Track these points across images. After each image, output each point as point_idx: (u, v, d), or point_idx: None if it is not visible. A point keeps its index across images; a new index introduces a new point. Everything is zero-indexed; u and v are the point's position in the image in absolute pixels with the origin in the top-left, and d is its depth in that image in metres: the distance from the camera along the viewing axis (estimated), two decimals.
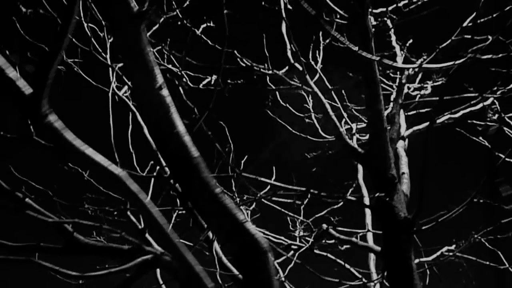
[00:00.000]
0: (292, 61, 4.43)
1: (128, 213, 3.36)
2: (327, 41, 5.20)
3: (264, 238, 2.05)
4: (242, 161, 4.69)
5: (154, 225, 1.73)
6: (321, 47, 5.13)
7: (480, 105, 4.82)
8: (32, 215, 3.04)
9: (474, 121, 5.30)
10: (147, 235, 3.27)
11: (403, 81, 4.32)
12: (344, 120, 4.90)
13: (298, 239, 4.87)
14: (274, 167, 4.85)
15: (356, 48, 3.62)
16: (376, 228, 4.81)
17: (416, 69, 4.44)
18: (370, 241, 4.82)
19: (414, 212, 3.45)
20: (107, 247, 3.18)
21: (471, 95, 4.65)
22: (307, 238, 4.64)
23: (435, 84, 5.42)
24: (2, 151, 3.89)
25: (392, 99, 4.40)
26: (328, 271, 4.68)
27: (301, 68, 4.34)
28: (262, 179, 3.61)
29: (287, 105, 6.64)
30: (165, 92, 2.08)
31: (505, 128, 5.64)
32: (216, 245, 4.29)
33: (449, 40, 4.39)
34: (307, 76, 4.30)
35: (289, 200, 3.62)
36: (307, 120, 6.72)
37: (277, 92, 6.21)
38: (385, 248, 3.54)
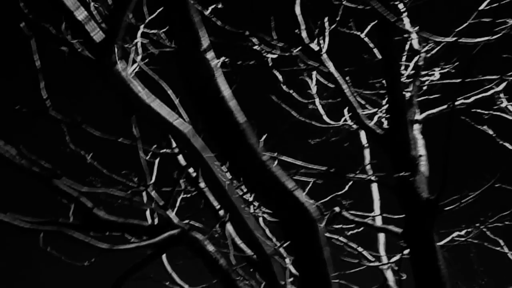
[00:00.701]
0: (306, 41, 4.37)
1: (149, 190, 3.27)
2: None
3: (314, 206, 1.99)
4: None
5: (213, 182, 1.65)
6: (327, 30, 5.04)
7: (492, 91, 4.80)
8: (58, 187, 2.96)
9: (479, 110, 5.33)
10: (168, 212, 3.19)
11: (420, 63, 4.28)
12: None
13: None
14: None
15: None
16: (385, 211, 4.79)
17: (434, 51, 4.40)
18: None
19: (437, 193, 3.41)
20: (128, 224, 3.09)
21: (491, 78, 4.62)
22: None
23: (442, 71, 5.39)
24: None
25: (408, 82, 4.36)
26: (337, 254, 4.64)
27: (316, 48, 4.28)
28: (286, 158, 3.54)
29: (292, 91, 6.59)
30: (210, 55, 2.01)
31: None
32: (228, 227, 4.22)
33: (466, 23, 4.35)
34: (325, 55, 4.24)
35: (310, 179, 3.54)
36: (310, 106, 6.68)
37: (280, 77, 6.15)
38: (407, 229, 3.50)
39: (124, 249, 2.72)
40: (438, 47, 4.39)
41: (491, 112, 5.62)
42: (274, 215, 2.03)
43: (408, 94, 4.10)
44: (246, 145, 1.95)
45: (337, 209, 4.20)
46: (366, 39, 5.97)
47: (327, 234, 4.47)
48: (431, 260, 3.32)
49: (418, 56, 4.32)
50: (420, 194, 3.47)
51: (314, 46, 4.33)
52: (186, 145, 1.59)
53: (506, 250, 5.42)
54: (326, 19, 4.81)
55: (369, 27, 5.96)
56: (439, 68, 5.43)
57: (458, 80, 4.55)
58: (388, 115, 4.00)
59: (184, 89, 1.90)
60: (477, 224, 4.50)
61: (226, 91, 1.98)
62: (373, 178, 3.59)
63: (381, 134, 3.79)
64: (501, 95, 5.41)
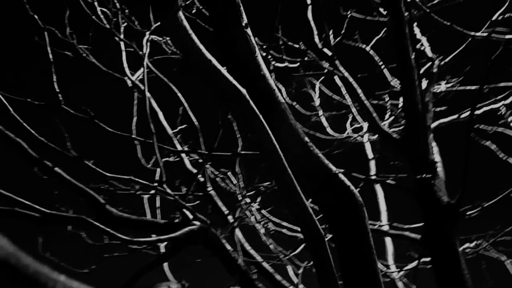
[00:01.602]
0: (319, 46, 4.33)
1: (165, 186, 3.16)
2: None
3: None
4: None
5: (269, 146, 1.56)
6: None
7: (500, 103, 4.80)
8: (68, 181, 2.83)
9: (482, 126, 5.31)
10: (184, 210, 3.07)
11: (434, 70, 4.26)
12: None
13: None
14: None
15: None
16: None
17: (448, 59, 4.39)
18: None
19: (457, 197, 3.34)
20: (142, 221, 2.96)
21: (509, 84, 4.60)
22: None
23: (448, 84, 5.39)
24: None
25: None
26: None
27: (330, 53, 4.25)
28: None
29: (295, 103, 6.56)
30: (250, 32, 1.93)
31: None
32: (238, 232, 4.12)
33: (480, 32, 4.35)
34: (337, 62, 4.20)
35: None
36: (313, 119, 6.64)
37: (283, 89, 6.12)
38: (428, 234, 3.41)
39: (144, 241, 2.60)
40: (452, 55, 4.37)
41: (494, 127, 5.64)
42: (317, 201, 1.94)
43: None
44: (288, 125, 1.86)
45: None
46: (371, 52, 5.98)
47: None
48: (454, 265, 3.23)
49: (431, 62, 4.29)
50: (441, 198, 3.40)
51: (327, 51, 4.29)
52: (243, 106, 1.50)
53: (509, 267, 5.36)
54: (331, 31, 4.80)
55: (373, 40, 5.99)
56: (445, 81, 5.43)
57: (475, 87, 4.52)
58: (403, 120, 3.94)
59: (226, 65, 1.82)
60: (491, 232, 4.42)
61: (265, 70, 1.90)
62: (391, 181, 3.51)
63: (398, 138, 3.73)
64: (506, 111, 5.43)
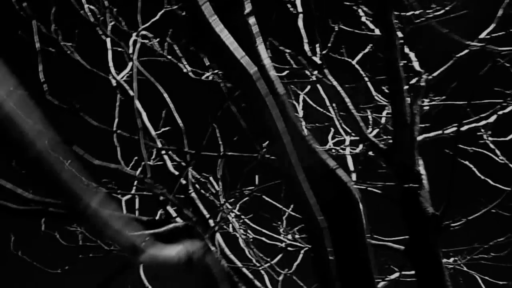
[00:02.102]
0: (309, 54, 4.33)
1: (148, 181, 3.09)
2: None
3: (356, 187, 1.87)
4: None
5: (273, 129, 1.51)
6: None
7: (483, 122, 4.86)
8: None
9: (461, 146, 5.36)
10: (168, 207, 3.01)
11: (422, 84, 4.29)
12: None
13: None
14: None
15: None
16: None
17: (436, 73, 4.43)
18: None
19: (442, 209, 3.35)
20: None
21: (497, 101, 4.66)
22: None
23: (431, 103, 5.44)
24: None
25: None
26: None
27: (319, 62, 4.25)
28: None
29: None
30: (251, 20, 1.90)
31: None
32: (218, 236, 4.06)
33: (466, 50, 4.40)
34: (326, 70, 4.20)
35: None
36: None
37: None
38: (412, 245, 3.40)
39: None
40: (441, 70, 4.41)
41: (473, 148, 5.71)
42: (315, 195, 1.89)
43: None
44: (287, 117, 1.83)
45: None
46: (356, 66, 6.01)
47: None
48: (438, 276, 3.22)
49: (419, 76, 4.32)
50: (426, 209, 3.40)
51: (316, 59, 4.29)
52: (249, 86, 1.46)
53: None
54: (317, 45, 4.81)
55: (359, 55, 6.03)
56: (428, 100, 5.48)
57: (462, 103, 4.56)
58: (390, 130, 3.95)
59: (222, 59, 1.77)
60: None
61: (266, 59, 1.86)
62: (377, 190, 3.50)
63: (385, 148, 3.73)
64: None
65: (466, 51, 4.41)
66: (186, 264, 1.47)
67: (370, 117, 5.68)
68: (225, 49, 1.41)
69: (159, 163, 4.64)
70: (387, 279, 4.36)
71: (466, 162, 5.59)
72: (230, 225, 4.78)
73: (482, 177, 5.62)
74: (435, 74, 4.39)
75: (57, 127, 3.20)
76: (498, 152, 5.78)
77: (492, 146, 5.73)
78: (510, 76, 4.85)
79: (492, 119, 5.11)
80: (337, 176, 1.86)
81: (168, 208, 2.99)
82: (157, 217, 3.04)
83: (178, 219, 2.82)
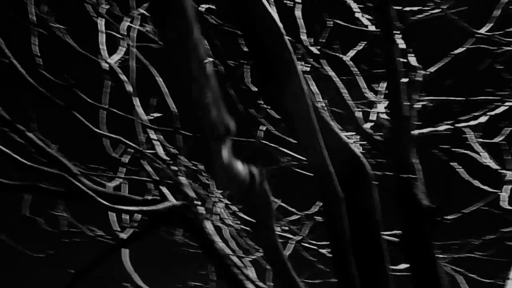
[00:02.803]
0: (307, 43, 4.30)
1: (143, 162, 3.02)
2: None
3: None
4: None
5: (296, 96, 1.46)
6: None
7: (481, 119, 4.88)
8: (40, 148, 2.66)
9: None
10: (163, 188, 2.94)
11: (418, 78, 4.28)
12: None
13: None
14: None
15: None
16: None
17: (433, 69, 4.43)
18: None
19: (438, 201, 3.34)
20: (118, 195, 2.81)
21: (493, 98, 4.67)
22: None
23: (428, 98, 5.42)
24: None
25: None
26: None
27: (317, 52, 4.21)
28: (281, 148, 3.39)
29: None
30: None
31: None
32: (208, 224, 3.98)
33: (463, 48, 4.41)
34: (324, 61, 4.18)
35: None
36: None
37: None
38: (407, 237, 3.38)
39: (126, 210, 2.45)
40: (437, 65, 4.41)
41: (458, 150, 5.72)
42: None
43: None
44: (301, 89, 1.77)
45: (320, 218, 4.09)
46: (349, 62, 5.99)
47: (307, 244, 4.35)
48: (431, 268, 3.20)
49: (416, 72, 4.31)
50: (421, 201, 3.38)
51: (314, 49, 4.26)
52: (277, 39, 1.40)
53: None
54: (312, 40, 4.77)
55: (353, 52, 6.01)
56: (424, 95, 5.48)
57: (458, 99, 4.57)
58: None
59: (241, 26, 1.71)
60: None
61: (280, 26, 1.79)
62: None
63: (381, 140, 3.71)
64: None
65: (463, 48, 4.42)
66: (250, 183, 1.42)
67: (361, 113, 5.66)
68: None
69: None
70: None
71: (454, 164, 5.60)
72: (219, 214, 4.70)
73: (466, 178, 5.65)
74: (431, 69, 4.38)
75: (53, 98, 3.08)
76: (484, 154, 5.83)
77: (477, 148, 5.76)
78: (502, 77, 4.87)
79: (483, 119, 5.13)
80: (350, 149, 1.82)
81: (163, 189, 2.92)
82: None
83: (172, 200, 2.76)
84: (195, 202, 4.07)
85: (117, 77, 4.63)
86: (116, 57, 4.97)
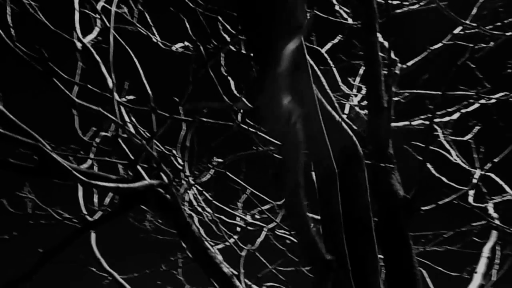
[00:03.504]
0: None
1: (119, 140, 2.93)
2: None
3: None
4: None
5: (300, 66, 1.41)
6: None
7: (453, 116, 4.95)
8: (8, 119, 2.54)
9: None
10: (139, 167, 2.85)
11: (397, 71, 4.30)
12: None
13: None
14: None
15: None
16: None
17: (410, 63, 4.46)
18: None
19: (413, 191, 3.36)
20: (92, 173, 2.71)
21: (468, 93, 4.73)
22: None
23: (407, 91, 5.46)
24: None
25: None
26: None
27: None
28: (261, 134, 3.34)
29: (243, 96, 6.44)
30: None
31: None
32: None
33: (440, 44, 4.45)
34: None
35: None
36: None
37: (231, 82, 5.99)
38: (382, 226, 3.38)
39: (102, 186, 2.36)
40: (416, 59, 4.44)
41: (428, 146, 5.79)
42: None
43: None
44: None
45: None
46: (325, 54, 6.00)
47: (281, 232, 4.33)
48: (406, 258, 3.22)
49: (394, 65, 4.34)
50: (398, 191, 3.40)
51: None
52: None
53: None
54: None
55: (329, 45, 6.02)
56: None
57: (435, 93, 4.61)
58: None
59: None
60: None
61: None
62: None
63: (360, 130, 3.72)
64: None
65: (440, 44, 4.46)
66: (288, 118, 1.38)
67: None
68: None
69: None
70: None
71: (426, 160, 5.66)
72: (189, 200, 4.63)
73: (437, 175, 5.73)
74: (410, 63, 4.42)
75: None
76: (453, 151, 5.93)
77: (447, 145, 5.86)
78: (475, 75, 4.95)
79: (455, 116, 5.22)
80: (343, 129, 1.80)
81: (139, 169, 2.84)
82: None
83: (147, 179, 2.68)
84: (173, 181, 4.01)
85: (92, 57, 4.51)
86: (90, 36, 4.85)
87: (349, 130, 1.86)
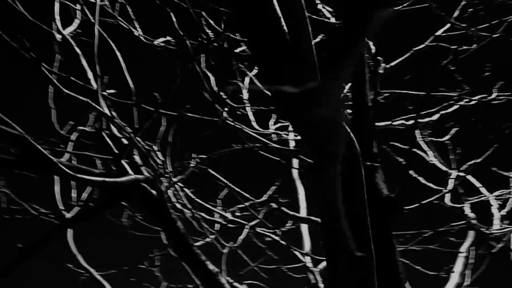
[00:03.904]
0: None
1: (104, 134, 2.87)
2: None
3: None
4: None
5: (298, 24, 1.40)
6: None
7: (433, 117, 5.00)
8: None
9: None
10: (123, 161, 2.79)
11: (380, 71, 4.31)
12: None
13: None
14: None
15: None
16: None
17: (394, 63, 4.48)
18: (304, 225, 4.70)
19: (397, 191, 3.37)
20: (74, 167, 2.65)
21: (449, 95, 4.77)
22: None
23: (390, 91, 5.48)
24: None
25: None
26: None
27: None
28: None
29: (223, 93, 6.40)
30: None
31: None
32: None
33: (423, 45, 4.49)
34: None
35: None
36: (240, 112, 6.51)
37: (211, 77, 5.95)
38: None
39: (89, 180, 2.30)
40: (400, 59, 4.47)
41: (406, 147, 5.84)
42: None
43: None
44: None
45: (273, 205, 4.07)
46: None
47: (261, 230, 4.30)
48: (390, 256, 3.23)
49: (378, 64, 4.35)
50: (382, 190, 3.40)
51: None
52: None
53: None
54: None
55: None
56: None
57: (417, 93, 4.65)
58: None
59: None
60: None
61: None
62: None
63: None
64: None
65: (423, 45, 4.50)
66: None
67: None
68: None
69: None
70: None
71: (401, 160, 5.71)
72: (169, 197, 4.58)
73: (414, 175, 5.78)
74: (394, 63, 4.44)
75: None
76: (430, 152, 6.00)
77: (424, 145, 5.92)
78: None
79: (435, 117, 5.27)
80: (343, 127, 1.79)
81: (124, 163, 2.79)
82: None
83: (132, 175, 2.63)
84: (160, 177, 3.95)
85: (71, 49, 4.42)
86: (70, 28, 4.75)
87: (346, 126, 1.85)
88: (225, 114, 3.21)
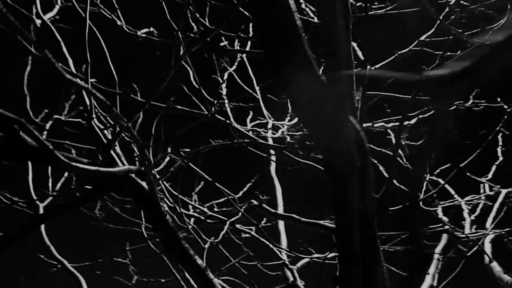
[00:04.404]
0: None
1: (93, 122, 2.80)
2: None
3: None
4: None
5: None
6: None
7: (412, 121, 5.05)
8: None
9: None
10: (112, 152, 2.72)
11: (366, 73, 4.32)
12: None
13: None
14: None
15: None
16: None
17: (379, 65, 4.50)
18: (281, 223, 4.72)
19: (381, 191, 3.39)
20: (62, 155, 2.57)
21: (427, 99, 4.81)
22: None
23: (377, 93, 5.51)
24: None
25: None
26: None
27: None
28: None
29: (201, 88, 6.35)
30: None
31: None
32: None
33: (407, 49, 4.53)
34: None
35: None
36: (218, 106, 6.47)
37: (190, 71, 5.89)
38: None
39: (83, 169, 2.24)
40: (387, 60, 4.50)
41: (385, 151, 5.91)
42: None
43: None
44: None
45: (254, 201, 4.06)
46: None
47: (241, 226, 4.29)
48: (374, 255, 3.23)
49: (363, 66, 4.36)
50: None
51: None
52: None
53: None
54: None
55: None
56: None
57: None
58: None
59: None
60: None
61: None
62: (321, 168, 3.47)
63: None
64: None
65: (407, 49, 4.55)
66: None
67: None
68: None
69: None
70: (313, 256, 4.37)
71: (378, 165, 5.77)
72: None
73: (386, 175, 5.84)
74: (379, 65, 4.47)
75: None
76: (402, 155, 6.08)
77: (400, 150, 6.00)
78: None
79: (412, 121, 5.34)
80: (353, 126, 1.79)
81: (113, 153, 2.73)
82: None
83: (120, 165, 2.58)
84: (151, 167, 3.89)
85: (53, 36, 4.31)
86: (50, 14, 4.64)
87: (357, 125, 1.85)
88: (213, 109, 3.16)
